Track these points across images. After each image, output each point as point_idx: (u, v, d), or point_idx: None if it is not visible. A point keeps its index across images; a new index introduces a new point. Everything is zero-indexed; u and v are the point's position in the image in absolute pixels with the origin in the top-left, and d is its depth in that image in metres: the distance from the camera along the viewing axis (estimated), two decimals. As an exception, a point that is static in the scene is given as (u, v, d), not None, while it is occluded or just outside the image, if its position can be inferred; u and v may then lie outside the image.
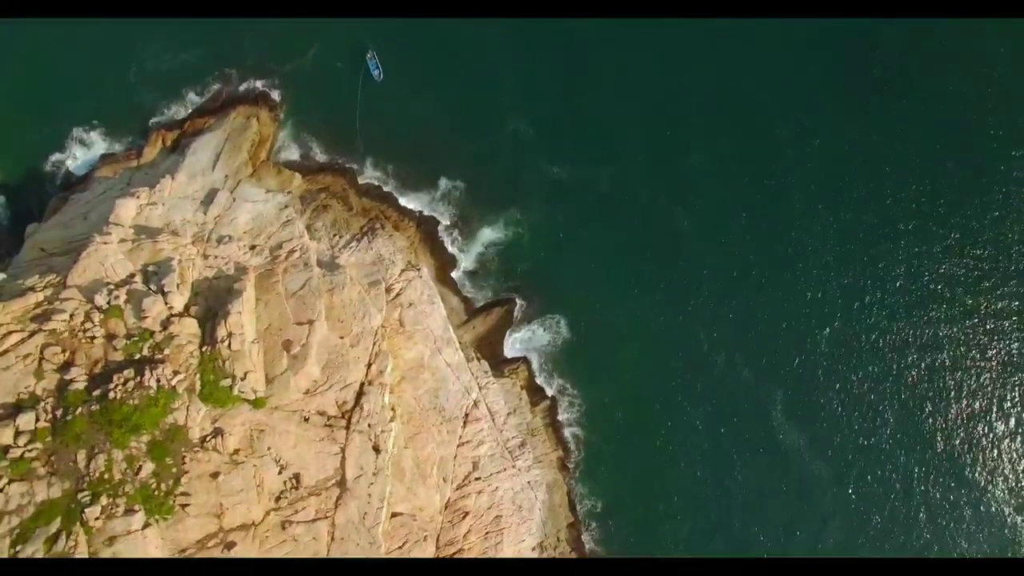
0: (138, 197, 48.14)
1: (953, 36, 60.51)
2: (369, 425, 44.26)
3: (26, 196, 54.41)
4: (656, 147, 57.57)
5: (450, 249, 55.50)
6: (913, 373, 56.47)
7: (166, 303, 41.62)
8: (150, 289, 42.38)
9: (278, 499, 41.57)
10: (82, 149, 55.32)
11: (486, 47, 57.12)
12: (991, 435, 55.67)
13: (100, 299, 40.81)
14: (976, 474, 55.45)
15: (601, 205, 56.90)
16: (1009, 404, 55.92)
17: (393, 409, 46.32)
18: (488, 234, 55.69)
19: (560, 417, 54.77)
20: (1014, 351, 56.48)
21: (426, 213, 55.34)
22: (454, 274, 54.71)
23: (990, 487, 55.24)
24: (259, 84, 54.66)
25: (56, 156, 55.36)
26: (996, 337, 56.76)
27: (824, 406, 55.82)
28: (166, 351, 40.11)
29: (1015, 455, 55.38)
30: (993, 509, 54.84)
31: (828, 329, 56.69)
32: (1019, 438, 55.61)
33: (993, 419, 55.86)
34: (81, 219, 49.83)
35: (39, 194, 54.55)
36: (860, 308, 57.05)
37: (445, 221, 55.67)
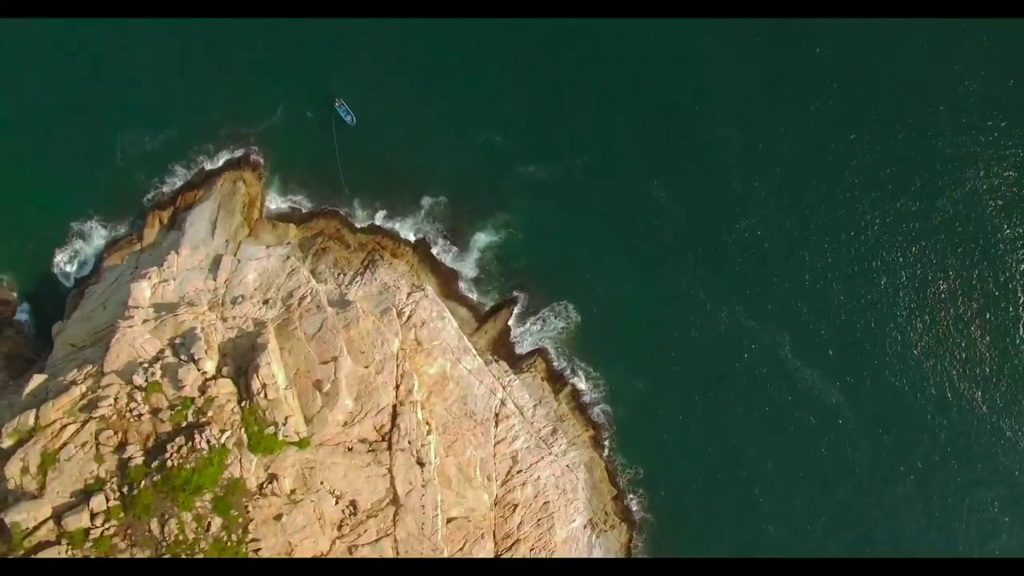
0: (150, 278, 50.78)
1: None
2: (409, 442, 47.05)
3: (43, 298, 56.83)
4: (619, 132, 60.24)
5: (448, 263, 57.85)
6: (907, 290, 59.51)
7: (199, 369, 44.37)
8: (181, 360, 45.18)
9: (340, 527, 44.41)
10: (83, 242, 57.64)
11: (444, 71, 59.44)
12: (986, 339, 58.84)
13: (138, 379, 43.62)
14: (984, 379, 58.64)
15: (580, 191, 59.45)
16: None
17: (428, 423, 49.10)
18: (482, 239, 58.17)
19: (585, 398, 57.37)
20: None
21: (419, 234, 57.88)
22: (460, 284, 57.18)
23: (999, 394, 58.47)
24: (238, 149, 57.10)
25: (61, 255, 57.55)
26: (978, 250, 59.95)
27: (828, 339, 58.59)
28: (209, 413, 42.94)
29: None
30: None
31: (818, 268, 59.43)
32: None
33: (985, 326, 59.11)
34: (101, 309, 52.54)
35: (54, 294, 56.90)
36: (844, 241, 59.87)
37: (438, 238, 58.13)
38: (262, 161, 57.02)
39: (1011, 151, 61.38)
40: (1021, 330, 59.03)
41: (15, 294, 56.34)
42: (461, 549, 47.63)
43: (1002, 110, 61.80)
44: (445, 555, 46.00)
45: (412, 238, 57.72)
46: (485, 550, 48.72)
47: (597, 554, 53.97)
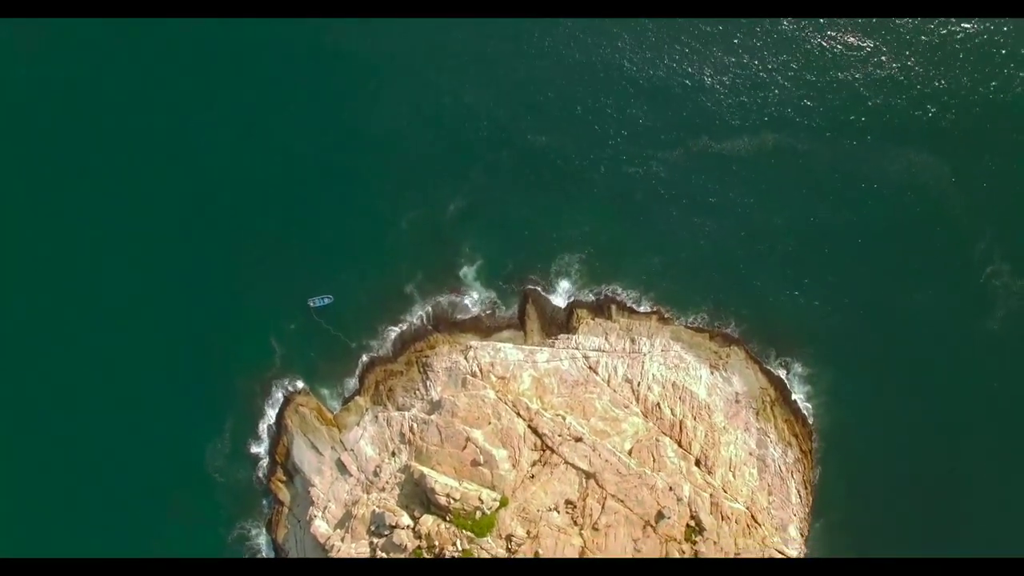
0: (316, 516, 60.94)
1: None
2: (559, 436, 56.94)
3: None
4: (482, 127, 70.26)
5: (463, 316, 67.08)
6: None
7: (402, 527, 54.41)
8: (385, 534, 55.20)
9: (575, 522, 54.21)
10: (250, 540, 67.46)
11: (349, 214, 69.34)
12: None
13: (376, 569, 53.59)
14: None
15: (498, 186, 68.84)
16: None
17: (558, 414, 58.96)
18: (470, 274, 67.59)
19: (631, 303, 66.91)
20: None
21: (429, 316, 67.49)
22: (484, 320, 66.74)
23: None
24: (277, 391, 67.34)
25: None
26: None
27: (726, 112, 68.68)
28: (435, 542, 52.92)
29: None
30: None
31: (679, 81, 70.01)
32: None
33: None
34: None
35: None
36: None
37: (442, 304, 67.72)
38: (299, 383, 67.17)
39: None
40: None
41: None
42: (655, 459, 57.39)
43: None
44: (648, 472, 55.83)
45: (427, 324, 67.48)
46: (668, 446, 58.46)
47: (736, 381, 63.53)
